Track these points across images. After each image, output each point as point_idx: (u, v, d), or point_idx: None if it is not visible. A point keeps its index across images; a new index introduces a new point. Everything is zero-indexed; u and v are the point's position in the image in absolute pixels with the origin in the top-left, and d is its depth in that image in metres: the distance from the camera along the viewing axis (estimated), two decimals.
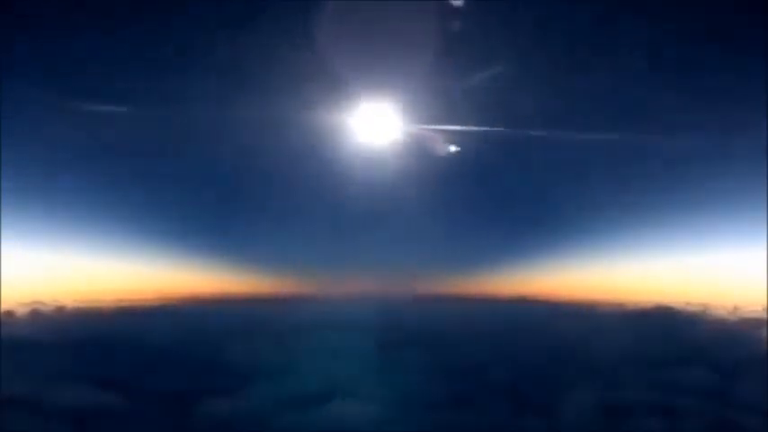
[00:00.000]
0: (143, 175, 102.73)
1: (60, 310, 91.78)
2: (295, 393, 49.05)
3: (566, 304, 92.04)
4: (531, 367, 59.06)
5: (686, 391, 49.05)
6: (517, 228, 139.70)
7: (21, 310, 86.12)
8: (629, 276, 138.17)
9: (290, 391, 49.60)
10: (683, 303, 79.33)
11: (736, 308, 79.41)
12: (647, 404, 46.97)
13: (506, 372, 57.52)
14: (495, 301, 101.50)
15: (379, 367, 57.46)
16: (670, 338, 66.13)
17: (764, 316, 71.58)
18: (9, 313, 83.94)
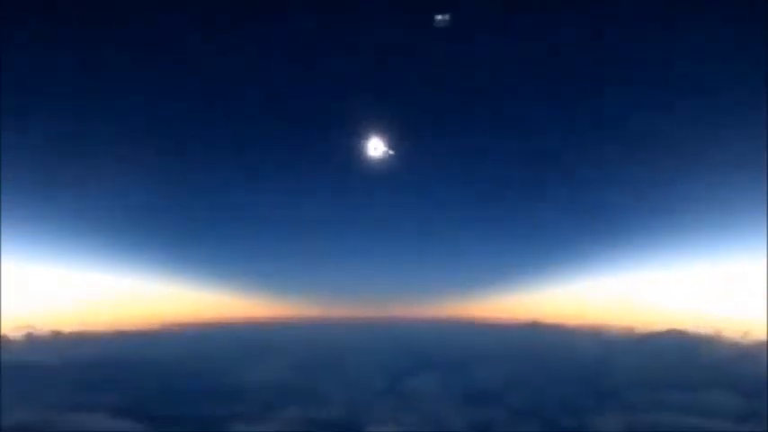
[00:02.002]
0: (149, 199, 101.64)
1: (56, 335, 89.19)
2: (313, 417, 47.56)
3: (578, 328, 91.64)
4: (550, 392, 58.00)
5: (708, 415, 48.40)
6: (525, 250, 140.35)
7: (15, 335, 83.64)
8: (637, 299, 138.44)
9: (306, 416, 48.07)
10: (695, 327, 79.07)
11: (746, 333, 79.27)
12: (669, 428, 46.25)
13: (524, 397, 56.49)
14: (508, 326, 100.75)
15: (397, 392, 56.12)
16: (686, 363, 65.60)
17: None
18: (4, 338, 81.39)
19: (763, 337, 71.83)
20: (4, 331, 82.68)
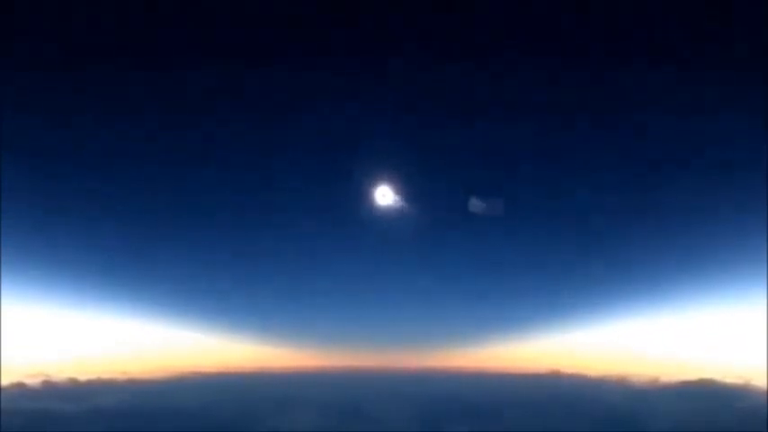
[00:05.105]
0: (168, 248, 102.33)
1: (72, 382, 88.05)
2: None
3: (600, 377, 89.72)
4: None
5: None
6: (539, 299, 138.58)
7: (32, 381, 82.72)
8: (657, 347, 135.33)
9: None
10: (723, 376, 77.26)
11: None
12: None
13: None
14: (528, 375, 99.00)
15: None
16: (718, 413, 64.02)
17: None
18: (19, 384, 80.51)
19: None
20: (21, 378, 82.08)
